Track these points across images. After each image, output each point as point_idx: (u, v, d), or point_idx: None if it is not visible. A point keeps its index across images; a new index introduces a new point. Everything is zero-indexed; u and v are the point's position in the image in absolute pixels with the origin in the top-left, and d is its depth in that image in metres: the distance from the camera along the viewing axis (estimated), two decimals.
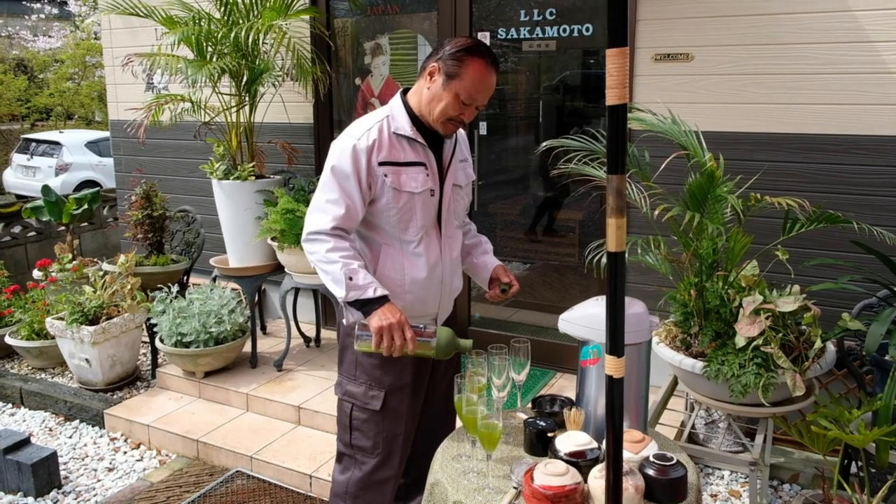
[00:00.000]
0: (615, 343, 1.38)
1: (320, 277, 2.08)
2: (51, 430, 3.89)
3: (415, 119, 2.10)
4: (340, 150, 2.05)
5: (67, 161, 10.95)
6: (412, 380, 2.21)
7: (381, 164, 2.04)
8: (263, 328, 4.71)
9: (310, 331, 4.49)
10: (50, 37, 15.63)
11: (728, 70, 3.30)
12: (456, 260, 2.26)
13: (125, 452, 3.63)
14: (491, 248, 2.42)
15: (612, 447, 1.43)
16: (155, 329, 4.04)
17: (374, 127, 2.06)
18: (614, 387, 1.40)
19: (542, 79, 4.13)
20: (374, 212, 2.10)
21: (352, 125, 2.12)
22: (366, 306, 1.99)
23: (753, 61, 3.24)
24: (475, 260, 2.37)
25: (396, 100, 2.14)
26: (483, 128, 4.11)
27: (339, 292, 2.00)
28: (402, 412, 2.21)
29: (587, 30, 3.74)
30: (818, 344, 2.50)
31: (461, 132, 2.27)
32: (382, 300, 1.98)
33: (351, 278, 1.98)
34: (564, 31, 3.80)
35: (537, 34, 3.87)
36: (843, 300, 2.93)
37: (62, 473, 3.38)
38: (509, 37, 3.96)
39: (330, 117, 4.54)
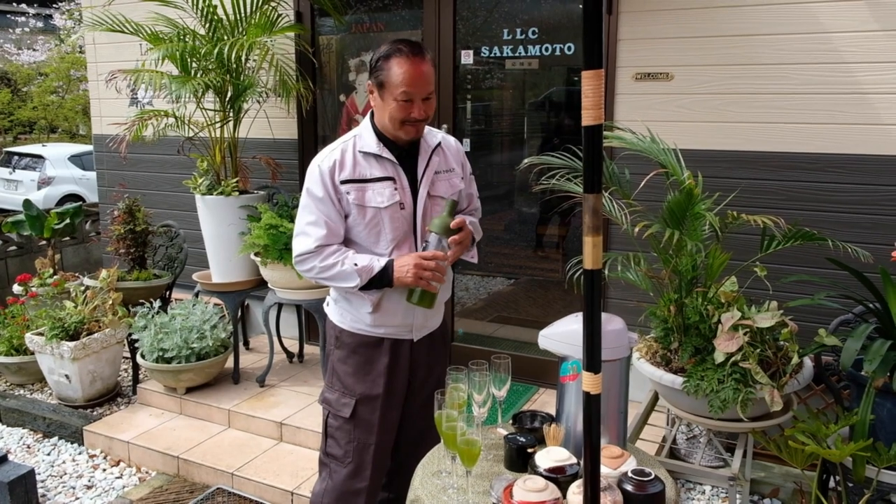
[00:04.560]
0: (592, 359, 1.40)
1: (330, 287, 2.25)
2: (29, 447, 3.84)
3: (381, 136, 2.18)
4: (310, 174, 2.18)
5: (50, 175, 10.87)
6: (384, 391, 2.28)
7: (343, 182, 2.14)
8: (246, 344, 4.69)
9: (293, 346, 4.48)
10: (34, 50, 15.57)
11: (707, 89, 3.36)
12: None
13: (104, 470, 3.59)
14: (473, 217, 2.42)
15: (589, 463, 1.44)
16: (136, 344, 4.02)
17: (338, 148, 2.18)
18: (591, 403, 1.41)
19: (527, 95, 4.17)
20: (345, 226, 2.20)
21: (324, 148, 2.24)
22: (382, 279, 2.12)
23: (732, 81, 3.30)
24: None
25: (366, 119, 2.23)
26: (467, 144, 4.14)
27: (353, 283, 2.13)
28: (373, 423, 2.29)
29: (569, 49, 3.79)
30: (795, 359, 2.54)
31: (451, 142, 2.33)
32: (390, 264, 2.12)
33: (356, 264, 2.12)
34: (547, 49, 3.85)
35: (520, 52, 3.92)
36: (821, 316, 2.97)
37: (40, 491, 3.33)
38: (493, 55, 4.01)
39: (314, 133, 4.56)
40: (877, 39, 3.02)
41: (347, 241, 2.23)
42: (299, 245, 2.18)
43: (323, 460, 2.38)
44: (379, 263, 2.12)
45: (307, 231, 2.17)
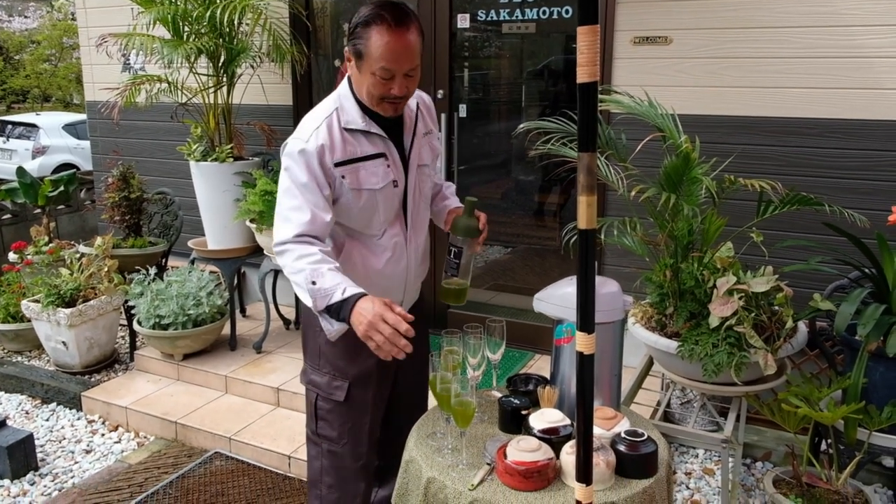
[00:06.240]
0: (586, 320, 1.39)
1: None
2: (27, 413, 3.86)
3: (365, 108, 1.95)
4: (291, 155, 1.90)
5: (44, 144, 10.79)
6: (377, 368, 2.10)
7: (337, 164, 1.90)
8: (243, 311, 4.69)
9: (289, 313, 4.49)
10: (26, 17, 15.36)
11: (706, 53, 3.31)
12: (422, 244, 2.17)
13: (103, 435, 3.62)
14: (452, 191, 2.29)
15: (582, 423, 1.45)
16: (133, 311, 4.02)
17: (322, 125, 1.91)
18: (585, 363, 1.41)
19: (525, 63, 4.12)
20: (335, 209, 1.97)
21: (301, 123, 1.97)
22: (341, 311, 1.76)
23: (731, 45, 3.26)
24: (436, 208, 2.25)
25: (343, 88, 1.97)
26: (463, 110, 4.10)
27: (308, 302, 1.82)
28: (367, 402, 2.13)
29: (566, 12, 3.74)
30: (790, 324, 2.53)
31: (426, 99, 2.14)
32: (353, 300, 1.75)
33: (314, 282, 1.78)
34: (544, 13, 3.79)
35: (517, 16, 3.86)
36: (817, 281, 2.97)
37: (39, 455, 3.36)
38: (489, 19, 3.95)
39: (309, 99, 4.51)
40: (878, 2, 2.98)
41: (336, 224, 2.01)
42: (279, 232, 1.90)
43: (314, 439, 2.21)
44: (342, 294, 1.74)
45: (289, 217, 1.88)
